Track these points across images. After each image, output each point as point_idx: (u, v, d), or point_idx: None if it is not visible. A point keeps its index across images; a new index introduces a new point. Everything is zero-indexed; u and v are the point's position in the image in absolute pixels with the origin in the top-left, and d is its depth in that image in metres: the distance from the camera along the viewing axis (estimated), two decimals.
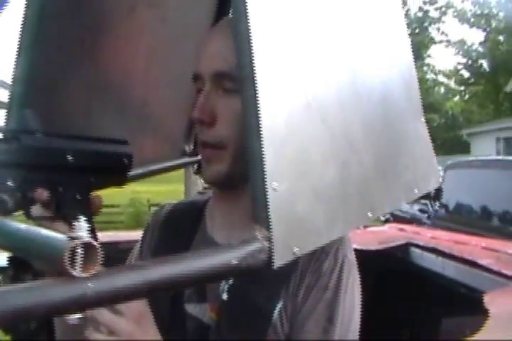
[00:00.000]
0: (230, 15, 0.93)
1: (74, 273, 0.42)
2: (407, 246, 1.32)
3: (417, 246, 1.33)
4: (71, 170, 0.76)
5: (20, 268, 0.66)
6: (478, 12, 23.33)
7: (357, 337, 0.86)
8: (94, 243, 0.44)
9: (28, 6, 0.89)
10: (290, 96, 0.61)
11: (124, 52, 1.10)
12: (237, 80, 0.82)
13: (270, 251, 0.53)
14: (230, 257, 0.50)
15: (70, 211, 0.77)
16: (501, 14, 24.50)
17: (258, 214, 0.54)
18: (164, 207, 1.09)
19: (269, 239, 0.53)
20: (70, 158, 0.74)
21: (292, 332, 0.84)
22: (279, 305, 0.84)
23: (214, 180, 0.90)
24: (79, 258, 0.43)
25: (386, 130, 0.88)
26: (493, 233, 3.24)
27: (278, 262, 0.54)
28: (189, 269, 0.48)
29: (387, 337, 1.27)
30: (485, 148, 17.77)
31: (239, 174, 0.88)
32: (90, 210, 0.79)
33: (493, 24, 24.20)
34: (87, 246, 0.43)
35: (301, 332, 0.84)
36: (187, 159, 1.43)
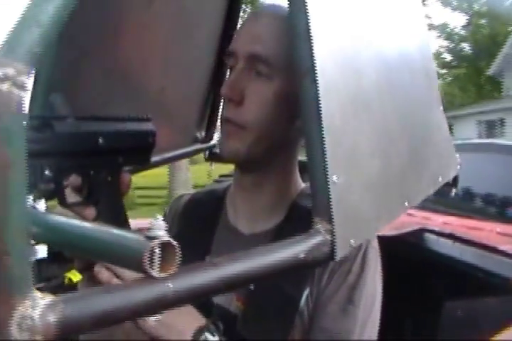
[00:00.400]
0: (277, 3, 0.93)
1: (154, 273, 0.42)
2: (421, 231, 1.34)
3: (432, 231, 1.34)
4: (102, 153, 0.75)
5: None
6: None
7: (377, 323, 0.87)
8: (173, 242, 0.44)
9: None
10: (342, 91, 0.61)
11: (143, 40, 1.10)
12: (272, 67, 0.84)
13: (333, 244, 0.54)
14: (298, 251, 0.51)
15: (102, 194, 0.76)
16: None
17: (319, 207, 0.55)
18: (183, 197, 1.09)
19: (332, 232, 0.54)
20: (101, 140, 0.74)
21: (314, 313, 0.85)
22: (306, 292, 0.85)
23: (232, 157, 0.90)
24: (157, 258, 0.42)
25: (414, 119, 0.89)
26: (486, 216, 3.30)
27: (339, 254, 0.55)
28: (261, 264, 0.48)
29: (404, 325, 1.30)
30: (467, 130, 17.95)
31: (258, 157, 0.89)
32: (120, 191, 0.79)
33: (476, 8, 24.28)
34: (165, 246, 0.43)
35: (323, 313, 0.85)
36: (199, 146, 1.43)
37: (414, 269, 1.29)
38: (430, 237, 1.33)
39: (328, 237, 0.54)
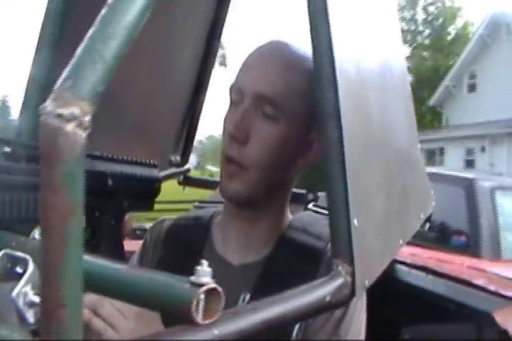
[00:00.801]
0: (286, 40, 0.93)
1: (199, 320, 0.41)
2: (393, 263, 1.35)
3: (404, 263, 1.36)
4: (109, 195, 0.73)
5: None
6: (406, 28, 24.27)
7: None
8: (219, 289, 0.43)
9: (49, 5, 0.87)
10: (359, 134, 0.62)
11: (128, 60, 1.08)
12: (279, 109, 0.84)
13: (353, 285, 0.55)
14: (324, 294, 0.51)
15: (105, 238, 0.74)
16: (427, 31, 25.65)
17: (341, 250, 0.55)
18: (164, 222, 1.07)
19: (352, 274, 0.54)
20: (110, 182, 0.72)
21: None
22: (297, 326, 0.85)
23: (232, 198, 0.89)
24: (202, 305, 0.42)
25: (403, 158, 0.91)
26: (434, 244, 3.38)
27: (358, 295, 0.56)
28: (293, 307, 0.48)
29: None
30: None
31: (259, 197, 0.89)
32: (122, 235, 0.77)
33: (420, 40, 25.27)
34: (211, 292, 0.42)
35: None
36: (174, 170, 1.41)
37: (386, 300, 1.31)
38: (402, 269, 1.35)
39: (349, 279, 0.54)
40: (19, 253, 0.53)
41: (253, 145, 0.85)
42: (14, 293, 0.49)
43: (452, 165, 16.01)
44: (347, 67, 0.60)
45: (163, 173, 1.37)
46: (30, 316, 0.50)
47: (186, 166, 1.50)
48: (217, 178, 1.42)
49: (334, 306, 0.53)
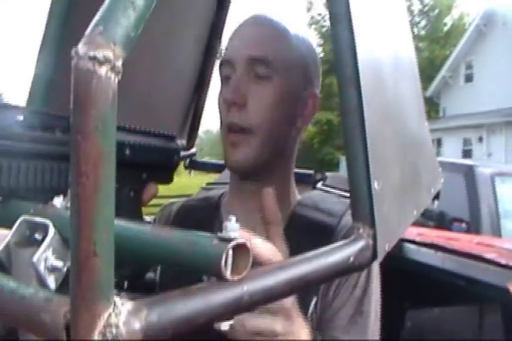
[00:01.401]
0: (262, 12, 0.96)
1: (228, 276, 0.41)
2: (400, 242, 1.35)
3: (412, 241, 1.36)
4: (127, 166, 0.72)
5: None
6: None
7: (378, 334, 0.88)
8: (247, 243, 0.42)
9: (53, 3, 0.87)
10: (377, 100, 0.62)
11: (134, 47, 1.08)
12: (271, 66, 0.86)
13: (374, 248, 0.54)
14: (347, 255, 0.51)
15: (123, 210, 0.73)
16: (423, 22, 25.60)
17: (361, 212, 0.55)
18: (173, 204, 1.06)
19: (374, 237, 0.54)
20: (128, 152, 0.71)
21: (322, 326, 0.85)
22: (314, 301, 0.85)
23: (239, 165, 0.89)
24: (230, 261, 0.41)
25: (414, 132, 0.92)
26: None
27: (379, 258, 0.55)
28: (318, 267, 0.48)
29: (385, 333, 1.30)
30: None
31: (264, 162, 0.89)
32: (141, 209, 0.76)
33: (415, 31, 25.22)
34: (239, 247, 0.42)
35: (333, 325, 0.84)
36: (181, 153, 1.40)
37: (395, 280, 1.30)
38: (410, 247, 1.35)
39: (371, 241, 0.54)
40: (38, 219, 0.52)
41: (253, 107, 0.86)
42: (35, 258, 0.49)
43: (450, 155, 16.03)
44: (365, 33, 0.60)
45: None
46: (51, 282, 0.50)
47: (192, 150, 1.49)
48: (222, 161, 1.42)
49: (357, 268, 0.53)
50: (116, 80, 0.32)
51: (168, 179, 0.82)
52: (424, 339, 1.52)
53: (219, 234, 0.42)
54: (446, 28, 25.16)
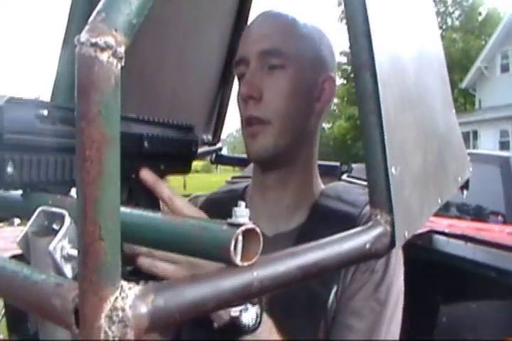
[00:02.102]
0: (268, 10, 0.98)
1: (238, 262, 0.41)
2: (430, 233, 1.33)
3: (442, 233, 1.34)
4: (146, 157, 0.73)
5: None
6: (435, 10, 23.81)
7: (400, 322, 0.86)
8: (257, 229, 0.42)
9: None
10: (394, 86, 0.61)
11: (159, 39, 1.09)
12: (283, 56, 0.87)
13: (392, 235, 0.53)
14: (364, 241, 0.50)
15: (142, 200, 0.74)
16: (457, 12, 25.11)
17: (379, 198, 0.54)
18: (198, 197, 1.07)
19: (392, 223, 0.53)
20: (146, 144, 0.72)
21: (337, 311, 0.84)
22: (334, 290, 0.84)
23: (260, 155, 0.90)
24: (240, 246, 0.41)
25: (438, 121, 0.90)
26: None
27: (398, 245, 0.54)
28: (333, 253, 0.47)
29: (420, 328, 1.29)
30: None
31: (284, 151, 0.89)
32: (159, 201, 0.76)
33: (449, 22, 24.77)
34: (249, 233, 0.42)
35: (347, 310, 0.84)
36: (206, 148, 1.41)
37: (425, 271, 1.28)
38: (440, 239, 1.33)
39: (388, 228, 0.53)
40: (56, 209, 0.53)
41: (268, 98, 0.87)
42: (51, 247, 0.50)
43: (487, 147, 15.70)
44: (381, 18, 0.59)
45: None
46: (68, 270, 0.51)
47: (218, 145, 1.50)
48: None
49: (374, 255, 0.52)
50: (119, 66, 0.33)
51: (186, 169, 0.83)
52: (460, 336, 1.49)
53: (228, 220, 0.42)
54: (480, 18, 24.61)
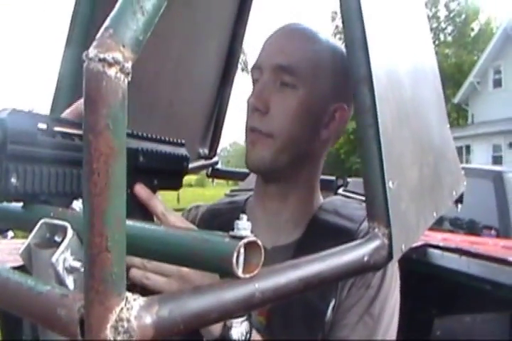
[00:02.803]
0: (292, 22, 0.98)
1: (240, 274, 0.41)
2: (424, 247, 1.34)
3: (437, 247, 1.35)
4: (141, 172, 0.74)
5: None
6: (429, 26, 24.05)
7: (394, 337, 0.87)
8: (259, 242, 0.43)
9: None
10: (391, 100, 0.62)
11: (157, 51, 1.10)
12: (297, 76, 0.87)
13: (390, 248, 0.54)
14: (363, 253, 0.51)
15: (136, 216, 0.74)
16: (449, 28, 25.39)
17: (377, 212, 0.55)
18: (199, 207, 1.07)
19: (389, 236, 0.54)
20: (141, 159, 0.73)
21: (333, 324, 0.84)
22: (332, 304, 0.85)
23: (257, 166, 0.90)
24: (242, 258, 0.42)
25: (434, 135, 0.91)
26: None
27: (395, 258, 0.55)
28: (333, 265, 0.48)
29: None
30: None
31: (283, 167, 0.89)
32: (153, 215, 0.77)
33: (442, 38, 25.02)
34: (250, 245, 0.42)
35: (342, 324, 0.84)
36: (203, 162, 1.42)
37: (420, 284, 1.29)
38: (435, 252, 1.34)
39: (386, 241, 0.54)
40: (58, 222, 0.53)
41: (274, 114, 0.87)
42: (54, 258, 0.50)
43: (479, 162, 15.77)
44: (378, 32, 0.60)
45: (192, 165, 1.39)
46: (70, 282, 0.51)
47: (214, 159, 1.51)
48: (245, 169, 1.42)
49: (372, 267, 0.53)
50: (126, 81, 0.34)
51: (177, 185, 0.84)
52: None
53: (231, 233, 0.42)
54: (473, 33, 24.89)
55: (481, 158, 16.91)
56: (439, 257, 1.34)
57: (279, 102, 0.87)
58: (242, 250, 0.42)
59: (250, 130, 0.89)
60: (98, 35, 0.34)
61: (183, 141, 0.84)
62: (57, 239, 0.54)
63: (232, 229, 0.43)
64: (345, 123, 0.94)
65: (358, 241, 0.53)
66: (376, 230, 0.54)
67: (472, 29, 25.06)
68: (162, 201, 0.76)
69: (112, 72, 0.32)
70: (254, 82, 0.92)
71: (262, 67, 0.90)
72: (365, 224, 0.89)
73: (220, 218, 1.00)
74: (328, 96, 0.90)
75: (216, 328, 0.70)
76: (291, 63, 0.87)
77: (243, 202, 1.03)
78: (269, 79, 0.88)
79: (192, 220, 1.03)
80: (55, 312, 0.36)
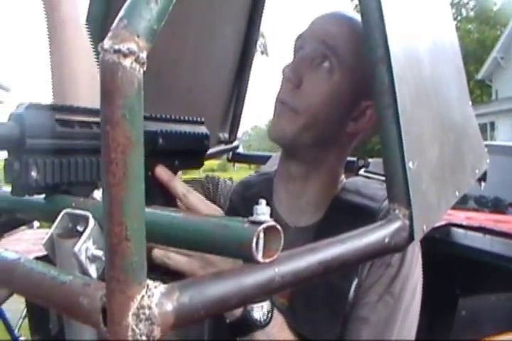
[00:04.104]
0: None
1: (260, 259, 0.41)
2: (447, 226, 1.33)
3: (460, 226, 1.34)
4: (161, 154, 0.74)
5: None
6: (449, 1, 23.54)
7: (417, 316, 0.86)
8: (278, 226, 0.43)
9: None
10: (410, 80, 0.61)
11: (175, 38, 1.10)
12: (337, 57, 0.86)
13: (411, 228, 0.54)
14: (383, 235, 0.51)
15: (158, 198, 0.75)
16: (471, 3, 24.84)
17: (397, 193, 0.55)
18: (228, 180, 1.08)
19: (410, 217, 0.54)
20: (161, 141, 0.73)
21: (353, 304, 0.84)
22: (354, 283, 0.85)
23: (277, 138, 0.90)
24: (262, 243, 0.42)
25: (455, 113, 0.90)
26: None
27: (416, 238, 0.55)
28: (353, 248, 0.48)
29: (439, 322, 1.28)
30: None
31: (305, 145, 0.89)
32: (175, 197, 0.77)
33: (464, 13, 24.50)
34: (269, 230, 0.42)
35: (362, 303, 0.84)
36: (223, 147, 1.42)
37: (444, 264, 1.28)
38: (458, 232, 1.33)
39: (407, 222, 0.54)
40: (79, 212, 0.54)
41: (305, 90, 0.87)
42: (76, 248, 0.51)
43: (504, 139, 15.52)
44: (395, 10, 0.59)
45: (212, 150, 1.39)
46: (93, 271, 0.52)
47: (235, 143, 1.50)
48: (266, 153, 1.42)
49: (393, 249, 0.52)
50: (142, 71, 0.33)
51: (199, 164, 0.84)
52: (480, 328, 1.48)
53: (250, 218, 0.43)
54: (495, 8, 24.31)
55: (505, 135, 16.63)
56: (462, 236, 1.32)
57: (312, 80, 0.87)
58: (261, 235, 0.42)
59: (279, 101, 0.89)
60: (113, 26, 0.34)
61: (203, 119, 0.84)
62: (80, 228, 0.54)
63: (252, 214, 0.43)
64: (374, 124, 0.92)
65: (378, 223, 0.53)
66: (397, 211, 0.54)
67: (495, 3, 24.49)
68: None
69: (127, 62, 0.32)
70: (296, 50, 0.92)
71: (306, 38, 0.90)
72: (386, 202, 0.89)
73: (251, 189, 1.01)
74: (362, 91, 0.88)
75: (238, 309, 0.71)
76: (337, 44, 0.87)
77: (273, 173, 1.02)
78: (309, 54, 0.88)
79: (227, 191, 1.04)
80: (78, 301, 0.37)
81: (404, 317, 0.83)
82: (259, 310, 0.72)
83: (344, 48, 0.86)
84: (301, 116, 0.87)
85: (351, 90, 0.88)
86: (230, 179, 1.08)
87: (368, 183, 1.02)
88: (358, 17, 0.90)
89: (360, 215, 0.88)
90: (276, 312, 0.75)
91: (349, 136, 0.92)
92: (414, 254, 0.87)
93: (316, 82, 0.87)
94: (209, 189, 1.05)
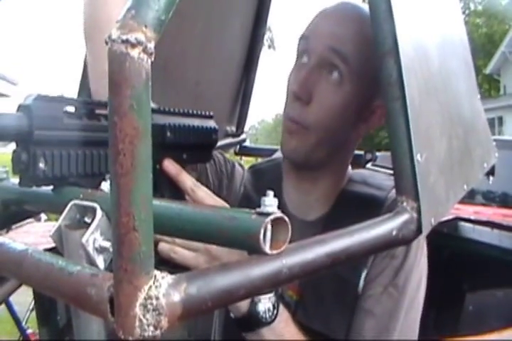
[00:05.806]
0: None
1: (267, 250, 0.41)
2: (455, 220, 1.33)
3: (468, 220, 1.33)
4: (169, 147, 0.74)
5: None
6: None
7: (420, 309, 0.85)
8: (285, 218, 0.43)
9: None
10: (418, 72, 0.61)
11: (182, 31, 1.09)
12: (347, 64, 0.82)
13: (419, 221, 0.54)
14: (391, 228, 0.51)
15: (166, 191, 0.75)
16: None
17: (405, 185, 0.55)
18: (240, 167, 1.07)
19: (418, 210, 0.54)
20: (169, 134, 0.73)
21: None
22: (364, 274, 0.84)
23: (291, 156, 0.89)
24: (269, 235, 0.42)
25: (463, 106, 0.89)
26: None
27: (424, 231, 0.55)
28: (360, 240, 0.48)
29: (446, 316, 1.28)
30: None
31: (318, 159, 0.88)
32: (182, 191, 0.77)
33: (472, 7, 24.33)
34: (277, 222, 0.42)
35: (366, 295, 0.84)
36: (230, 140, 1.42)
37: (451, 259, 1.28)
38: (466, 226, 1.32)
39: (415, 215, 0.54)
40: (87, 203, 0.54)
41: (315, 106, 0.84)
42: (84, 239, 0.51)
43: None
44: (404, 3, 0.59)
45: (219, 143, 1.39)
46: (100, 262, 0.52)
47: (242, 136, 1.50)
48: (273, 146, 1.42)
49: (401, 242, 0.52)
50: (149, 61, 0.33)
51: (207, 158, 0.84)
52: (486, 323, 1.48)
53: (257, 209, 0.42)
54: (504, 2, 24.13)
55: None
56: (470, 230, 1.32)
57: (322, 94, 0.83)
58: (269, 226, 0.41)
59: (289, 119, 0.86)
60: (120, 17, 0.34)
61: (211, 113, 0.83)
62: (87, 219, 0.55)
63: (259, 206, 0.43)
64: (383, 122, 0.90)
65: (386, 216, 0.53)
66: (405, 204, 0.54)
67: None
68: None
69: (134, 52, 0.32)
70: (300, 53, 0.87)
71: (312, 43, 0.85)
72: (394, 191, 0.88)
73: (263, 178, 1.01)
74: (373, 92, 0.86)
75: (244, 303, 0.71)
76: (346, 50, 0.82)
77: (281, 159, 1.01)
78: (317, 64, 0.84)
79: (241, 176, 1.04)
80: (86, 291, 0.37)
81: (408, 309, 0.83)
82: (266, 302, 0.72)
83: (353, 52, 0.83)
84: (313, 133, 0.85)
85: (362, 95, 0.85)
86: (240, 165, 1.07)
87: (374, 174, 1.02)
88: (365, 8, 0.86)
89: (367, 205, 0.88)
90: (281, 307, 0.75)
91: (358, 135, 0.92)
92: (419, 246, 0.87)
93: (326, 96, 0.83)
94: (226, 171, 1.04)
